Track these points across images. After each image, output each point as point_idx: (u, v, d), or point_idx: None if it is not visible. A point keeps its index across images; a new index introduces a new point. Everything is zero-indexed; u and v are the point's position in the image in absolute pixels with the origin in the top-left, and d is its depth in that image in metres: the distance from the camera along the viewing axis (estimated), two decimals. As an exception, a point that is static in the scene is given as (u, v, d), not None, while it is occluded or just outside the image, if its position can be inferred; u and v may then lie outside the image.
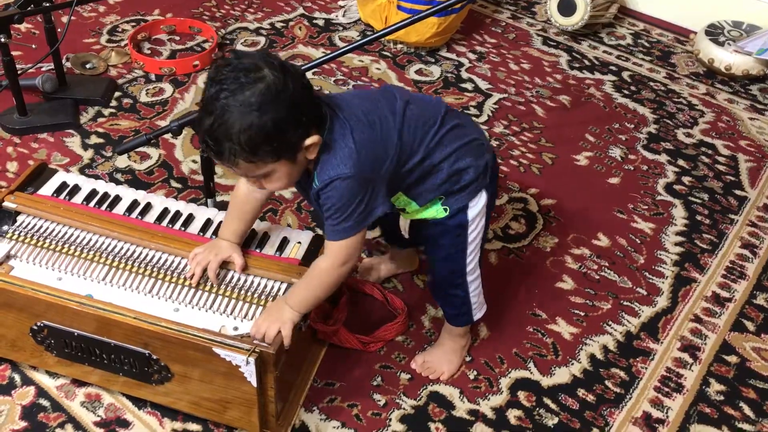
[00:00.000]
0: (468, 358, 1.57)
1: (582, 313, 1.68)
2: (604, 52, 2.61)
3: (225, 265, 1.40)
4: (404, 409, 1.47)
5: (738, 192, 2.04)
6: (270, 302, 1.35)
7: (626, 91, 2.42)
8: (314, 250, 1.45)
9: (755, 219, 1.96)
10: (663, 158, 2.15)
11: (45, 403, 1.43)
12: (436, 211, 1.36)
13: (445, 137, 1.30)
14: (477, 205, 1.36)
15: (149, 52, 2.42)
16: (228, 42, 2.50)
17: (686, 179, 2.08)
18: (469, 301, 1.46)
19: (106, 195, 1.54)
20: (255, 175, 1.16)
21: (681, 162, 2.14)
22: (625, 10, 2.82)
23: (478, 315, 1.49)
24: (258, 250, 1.46)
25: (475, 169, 1.33)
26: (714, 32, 2.54)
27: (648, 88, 2.44)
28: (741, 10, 2.59)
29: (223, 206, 1.81)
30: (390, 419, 1.45)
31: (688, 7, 2.71)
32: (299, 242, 1.47)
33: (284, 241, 1.48)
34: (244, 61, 1.11)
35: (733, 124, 2.30)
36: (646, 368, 1.57)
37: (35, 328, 1.37)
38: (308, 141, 1.15)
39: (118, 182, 1.90)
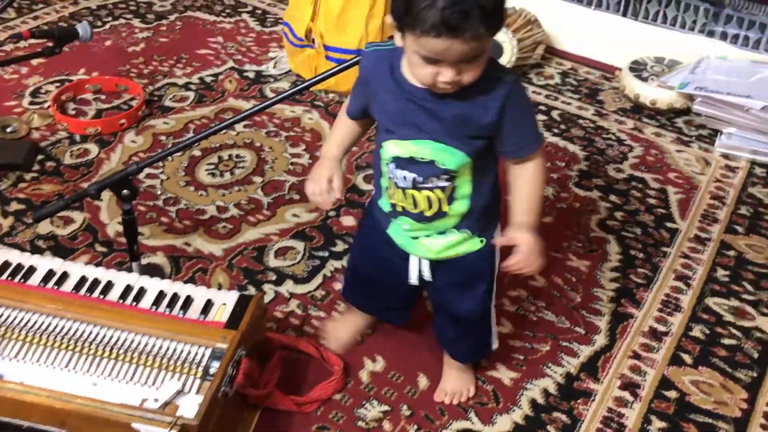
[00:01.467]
0: (408, 412, 1.52)
1: (521, 357, 1.66)
2: (534, 92, 2.65)
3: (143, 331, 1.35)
4: (342, 471, 1.42)
5: (669, 224, 2.07)
6: (516, 234, 1.26)
7: (556, 130, 2.45)
8: (240, 311, 1.41)
9: (687, 250, 1.99)
10: (595, 194, 2.17)
11: (-44, 493, 1.33)
12: (473, 244, 1.35)
13: None
14: (497, 234, 1.38)
15: (74, 112, 2.37)
16: (156, 98, 2.46)
17: (619, 214, 2.10)
18: (492, 334, 1.49)
19: (19, 266, 1.47)
20: (477, 54, 1.08)
21: (613, 197, 2.16)
22: (552, 50, 2.88)
23: (495, 343, 1.52)
24: (181, 314, 1.40)
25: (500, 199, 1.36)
26: (638, 68, 2.61)
27: (577, 125, 2.48)
28: (662, 46, 2.67)
29: (148, 269, 1.76)
30: (328, 483, 1.39)
31: (612, 44, 2.78)
32: (224, 304, 1.43)
33: (209, 304, 1.43)
34: None
35: (662, 157, 2.35)
36: (588, 410, 1.56)
37: (-58, 413, 1.28)
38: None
39: (39, 250, 1.82)
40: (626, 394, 1.59)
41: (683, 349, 1.70)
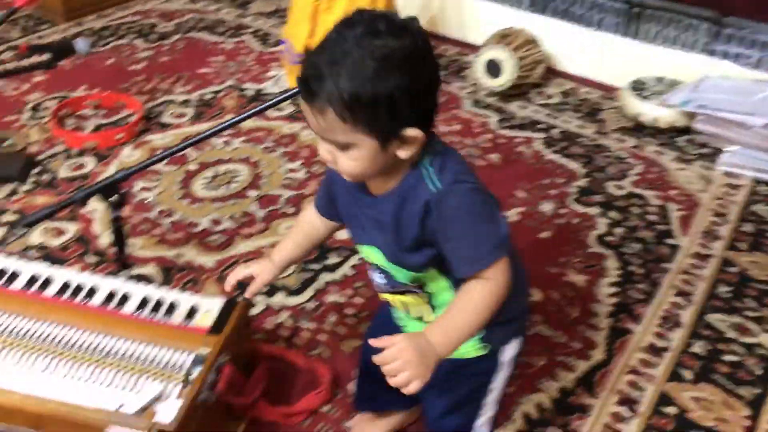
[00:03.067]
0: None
1: (516, 371, 1.61)
2: (534, 111, 2.64)
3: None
4: (328, 484, 1.37)
5: (670, 241, 2.03)
6: (402, 342, 0.96)
7: (556, 148, 2.43)
8: (224, 318, 1.38)
9: (688, 267, 1.94)
10: (594, 211, 2.14)
11: (-71, 502, 1.30)
12: (473, 346, 1.14)
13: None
14: (512, 349, 1.19)
15: (72, 127, 2.37)
16: (154, 115, 2.46)
17: (618, 230, 2.06)
18: None
19: (2, 271, 1.45)
20: (334, 140, 0.96)
21: (612, 214, 2.13)
22: (553, 70, 2.86)
23: None
24: (165, 320, 1.37)
25: (523, 303, 1.20)
26: (639, 88, 2.59)
27: (577, 144, 2.46)
28: (663, 65, 2.66)
29: (138, 280, 1.73)
30: (312, 497, 1.35)
31: (612, 64, 2.77)
32: (209, 310, 1.40)
33: (193, 310, 1.40)
34: (390, 14, 0.96)
35: (662, 174, 2.31)
36: (584, 425, 1.50)
37: None
38: (410, 131, 0.95)
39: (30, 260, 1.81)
40: (623, 410, 1.54)
41: (683, 365, 1.65)
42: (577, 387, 1.59)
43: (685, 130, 2.50)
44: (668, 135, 2.51)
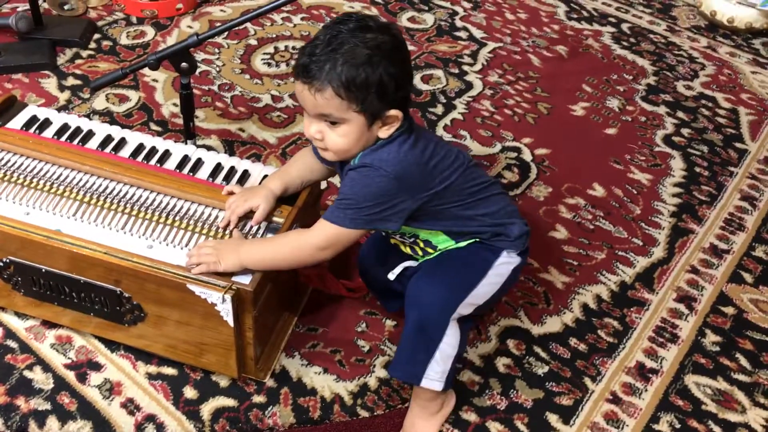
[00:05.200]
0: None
1: (575, 263, 1.63)
2: (603, 3, 2.53)
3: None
4: (389, 355, 1.41)
5: (738, 145, 1.98)
6: (230, 237, 1.26)
7: (625, 43, 2.34)
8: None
9: (755, 172, 1.90)
10: (662, 110, 2.08)
11: (13, 344, 1.37)
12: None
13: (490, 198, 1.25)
14: (509, 260, 1.25)
15: (131, -6, 2.33)
16: (213, -14, 2.40)
17: (685, 131, 2.01)
18: (431, 355, 1.20)
19: (78, 129, 1.46)
20: (327, 116, 1.10)
21: (680, 114, 2.07)
22: (626, -38, 2.72)
23: (427, 383, 1.21)
24: (238, 186, 1.38)
25: (519, 227, 1.26)
26: (717, -16, 2.46)
27: (647, 40, 2.37)
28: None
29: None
30: (374, 365, 1.39)
31: (690, -41, 2.62)
32: (281, 180, 1.40)
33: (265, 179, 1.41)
34: (375, 18, 1.14)
35: (735, 77, 2.23)
36: (641, 318, 1.52)
37: (1, 264, 1.30)
38: (392, 111, 1.11)
39: (95, 124, 1.82)
40: (681, 307, 1.55)
41: (744, 268, 1.65)
42: (636, 282, 1.60)
43: (763, 33, 2.39)
44: (744, 36, 2.40)
